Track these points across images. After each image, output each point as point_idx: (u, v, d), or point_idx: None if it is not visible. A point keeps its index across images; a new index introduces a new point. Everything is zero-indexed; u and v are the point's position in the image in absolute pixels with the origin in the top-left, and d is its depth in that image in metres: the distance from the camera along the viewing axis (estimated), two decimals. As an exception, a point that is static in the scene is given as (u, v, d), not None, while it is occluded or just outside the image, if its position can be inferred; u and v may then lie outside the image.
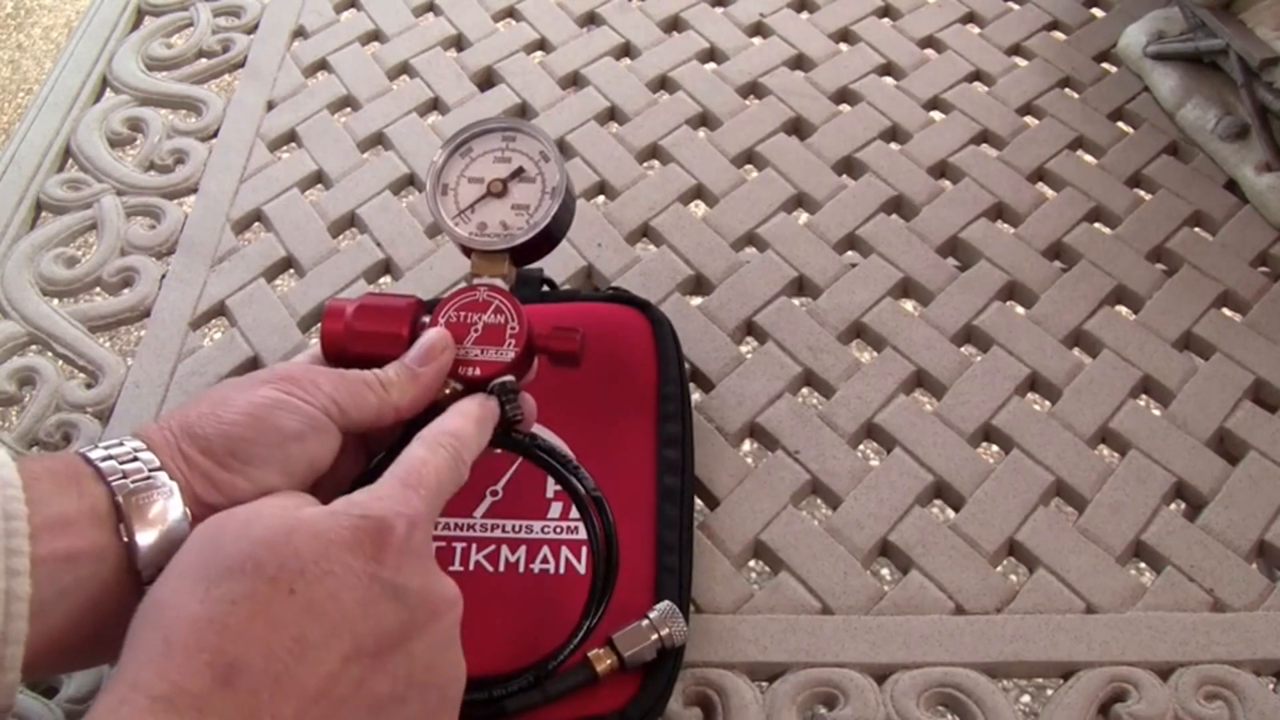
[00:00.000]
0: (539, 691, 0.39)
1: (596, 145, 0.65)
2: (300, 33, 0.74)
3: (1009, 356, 0.55)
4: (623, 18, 0.73)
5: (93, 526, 0.34)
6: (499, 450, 0.42)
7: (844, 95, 0.68)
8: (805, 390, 0.55)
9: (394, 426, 0.41)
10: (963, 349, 0.56)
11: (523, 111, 0.68)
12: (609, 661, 0.40)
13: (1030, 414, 0.53)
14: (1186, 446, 0.51)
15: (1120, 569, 0.47)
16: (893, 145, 0.65)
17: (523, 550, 0.45)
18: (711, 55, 0.71)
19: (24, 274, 0.59)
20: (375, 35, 0.74)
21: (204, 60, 0.72)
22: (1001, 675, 0.45)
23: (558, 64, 0.70)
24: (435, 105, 0.69)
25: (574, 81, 0.70)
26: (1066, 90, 0.68)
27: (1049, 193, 0.62)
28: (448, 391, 0.41)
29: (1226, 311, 0.57)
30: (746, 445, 0.53)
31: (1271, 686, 0.44)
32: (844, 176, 0.64)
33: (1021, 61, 0.70)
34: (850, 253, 0.61)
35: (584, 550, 0.45)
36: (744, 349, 0.56)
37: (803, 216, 0.62)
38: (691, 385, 0.54)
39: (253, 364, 0.56)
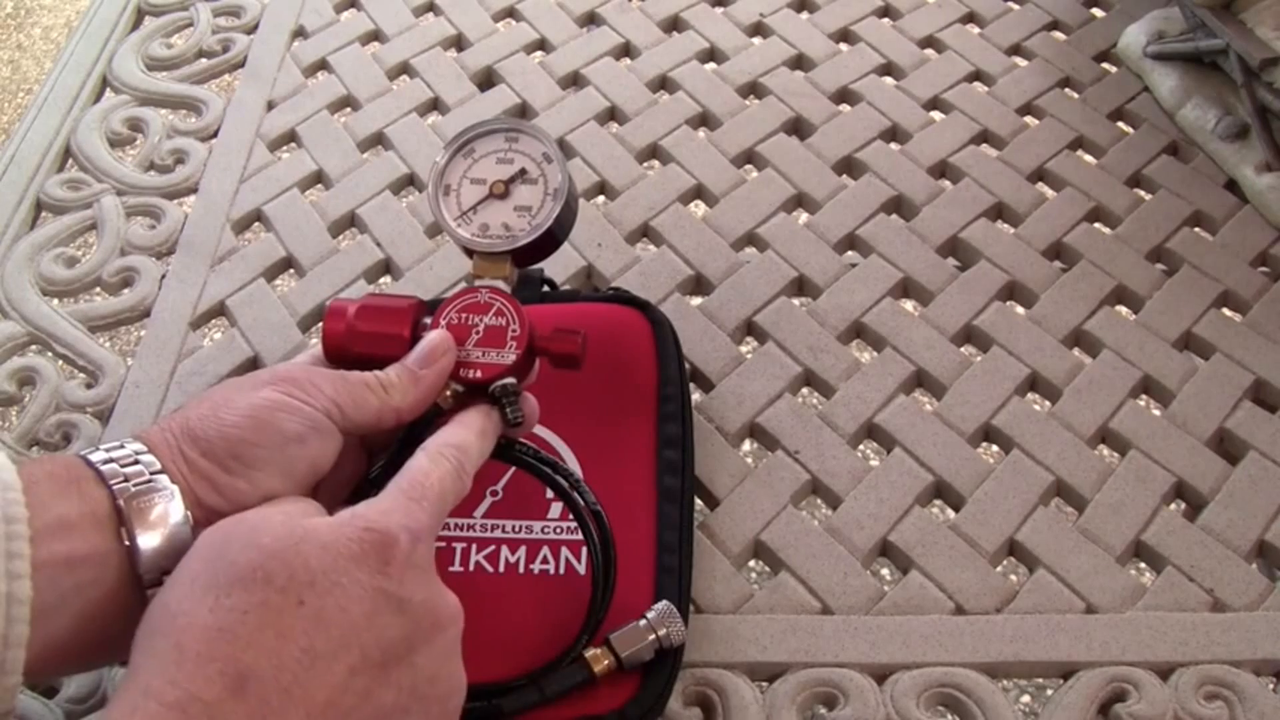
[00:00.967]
0: (535, 691, 0.39)
1: (596, 145, 0.65)
2: (300, 33, 0.74)
3: (1009, 356, 0.55)
4: (623, 18, 0.73)
5: (94, 530, 0.33)
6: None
7: (844, 95, 0.68)
8: (805, 390, 0.55)
9: (394, 428, 0.41)
10: (963, 349, 0.56)
11: (523, 111, 0.68)
12: (606, 662, 0.40)
13: (1030, 414, 0.53)
14: (1186, 446, 0.51)
15: (1120, 569, 0.47)
16: (893, 145, 0.65)
17: (523, 551, 0.45)
18: (711, 55, 0.71)
19: (24, 274, 0.59)
20: (375, 35, 0.74)
21: (204, 60, 0.72)
22: (1001, 675, 0.45)
23: (558, 64, 0.70)
24: (435, 105, 0.69)
25: (574, 81, 0.70)
26: (1066, 90, 0.68)
27: (1049, 193, 0.62)
28: (448, 393, 0.41)
29: (1226, 311, 0.57)
30: (746, 445, 0.53)
31: (1271, 686, 0.44)
32: (844, 176, 0.64)
33: (1021, 61, 0.70)
34: (850, 253, 0.61)
35: (584, 551, 0.45)
36: (744, 349, 0.56)
37: (803, 216, 0.62)
38: (691, 385, 0.54)
39: (253, 364, 0.56)
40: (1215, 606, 0.46)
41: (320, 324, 0.58)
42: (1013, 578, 0.47)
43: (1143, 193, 0.62)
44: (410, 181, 0.65)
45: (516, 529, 0.45)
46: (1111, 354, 0.55)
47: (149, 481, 0.35)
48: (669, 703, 0.42)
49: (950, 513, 0.50)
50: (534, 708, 0.40)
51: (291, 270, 0.61)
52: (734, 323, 0.56)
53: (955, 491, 0.50)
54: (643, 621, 0.41)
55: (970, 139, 0.65)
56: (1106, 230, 0.60)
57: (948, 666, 0.44)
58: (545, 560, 0.45)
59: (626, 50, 0.72)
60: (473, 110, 0.68)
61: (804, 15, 0.73)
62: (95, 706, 0.43)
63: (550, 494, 0.46)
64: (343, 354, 0.42)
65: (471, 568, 0.44)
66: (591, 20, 0.74)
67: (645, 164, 0.65)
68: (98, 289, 0.60)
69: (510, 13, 0.75)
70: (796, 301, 0.58)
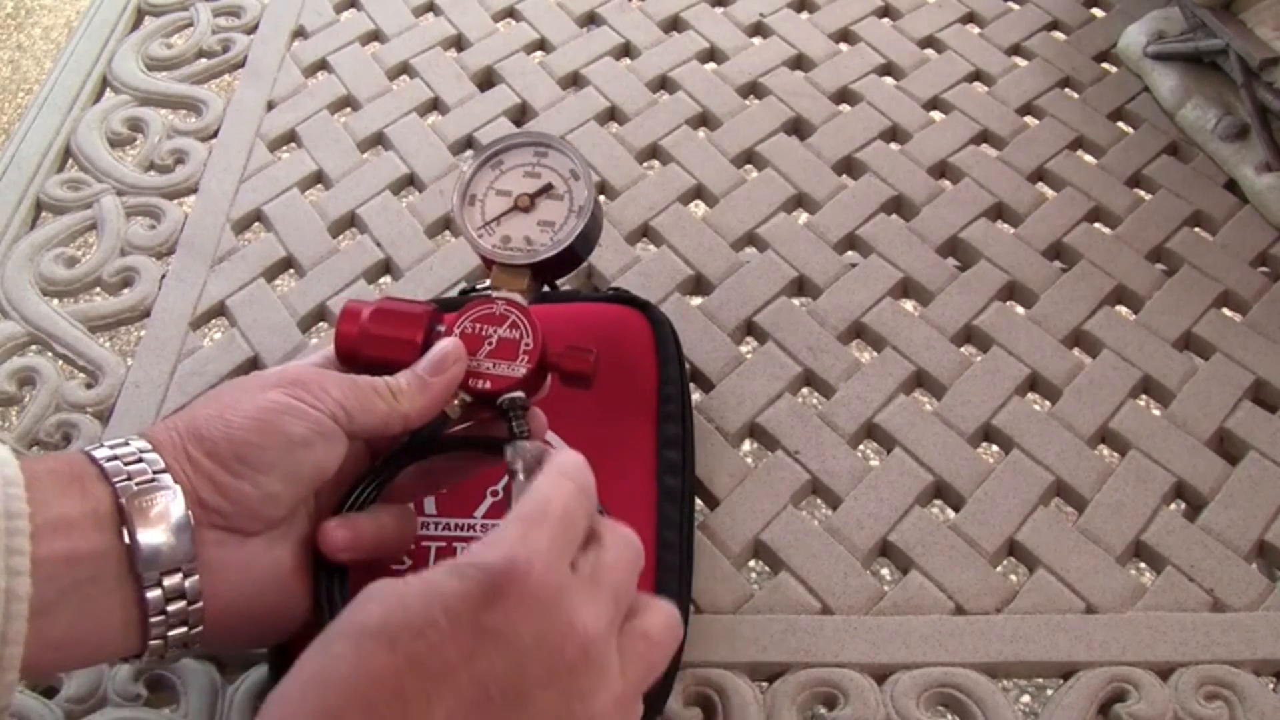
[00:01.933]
0: None
1: (596, 145, 0.65)
2: (300, 33, 0.74)
3: (1009, 356, 0.55)
4: (623, 18, 0.73)
5: (95, 528, 0.33)
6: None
7: (844, 95, 0.68)
8: (805, 390, 0.55)
9: (400, 434, 0.41)
10: (963, 349, 0.56)
11: (523, 111, 0.68)
12: None
13: (1030, 414, 0.53)
14: (1186, 446, 0.51)
15: (1120, 569, 0.47)
16: (893, 145, 0.65)
17: None
18: (711, 55, 0.71)
19: (24, 274, 0.59)
20: (375, 35, 0.74)
21: (204, 60, 0.72)
22: (1001, 675, 0.45)
23: (558, 64, 0.70)
24: (435, 105, 0.69)
25: (574, 81, 0.70)
26: (1066, 90, 0.68)
27: (1049, 193, 0.62)
28: (456, 403, 0.41)
29: (1226, 311, 0.57)
30: (746, 445, 0.53)
31: (1271, 686, 0.44)
32: (844, 176, 0.64)
33: (1021, 61, 0.70)
34: (850, 253, 0.61)
35: None
36: (744, 349, 0.56)
37: (803, 216, 0.62)
38: (691, 385, 0.54)
39: (253, 364, 0.56)
40: (1215, 606, 0.46)
41: (321, 324, 0.58)
42: (1013, 578, 0.47)
43: (1143, 193, 0.62)
44: (410, 181, 0.65)
45: None
46: (1111, 354, 0.55)
47: (152, 480, 0.35)
48: (669, 702, 0.42)
49: (950, 513, 0.50)
50: None
51: (291, 270, 0.61)
52: (734, 323, 0.56)
53: (955, 491, 0.50)
54: None
55: (970, 139, 0.65)
56: (1106, 230, 0.60)
57: (948, 666, 0.44)
58: None
59: (626, 50, 0.72)
60: (473, 110, 0.68)
61: (804, 15, 0.73)
62: (95, 706, 0.43)
63: None
64: (354, 356, 0.42)
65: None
66: (591, 20, 0.74)
67: (645, 164, 0.65)
68: (98, 289, 0.60)
69: (510, 13, 0.75)
70: (796, 301, 0.58)
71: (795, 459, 0.51)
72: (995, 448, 0.53)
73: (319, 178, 0.65)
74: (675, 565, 0.45)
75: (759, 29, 0.73)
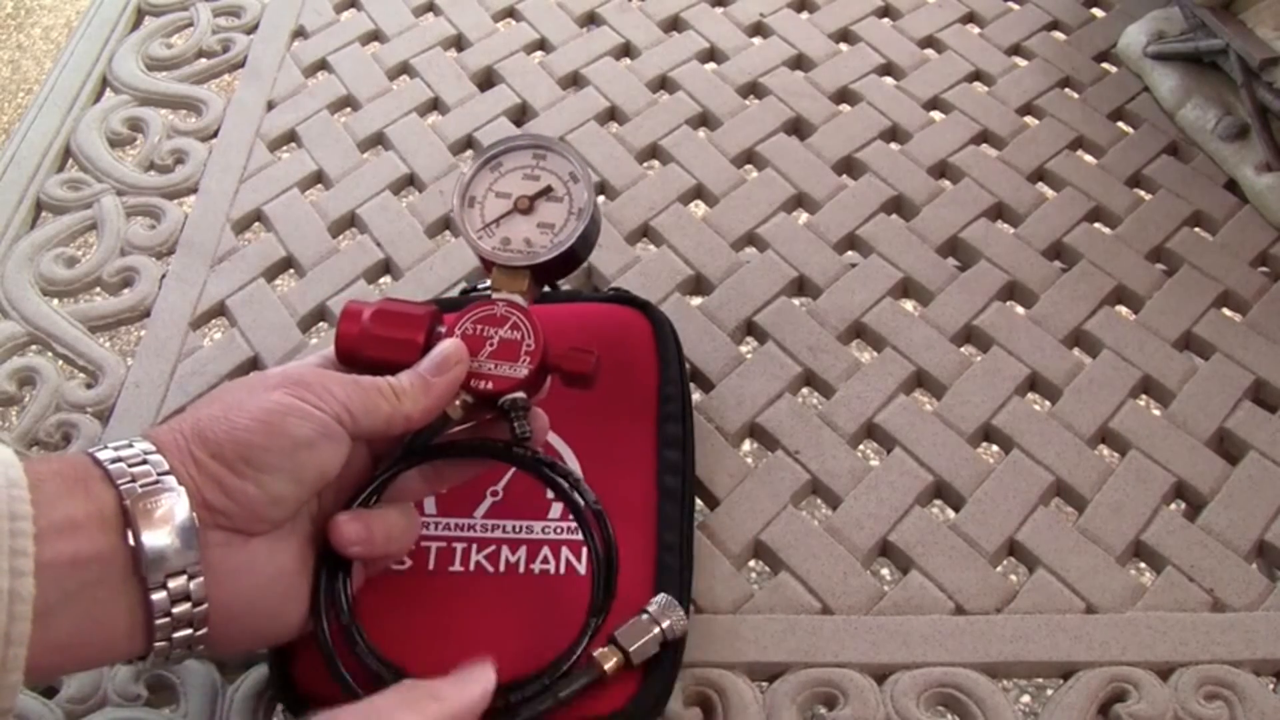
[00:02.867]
0: (550, 695, 0.39)
1: (596, 145, 0.65)
2: (300, 33, 0.74)
3: (1009, 356, 0.55)
4: (623, 18, 0.73)
5: (99, 530, 0.33)
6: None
7: (844, 95, 0.68)
8: (805, 390, 0.55)
9: (402, 434, 0.41)
10: (963, 349, 0.56)
11: (523, 111, 0.68)
12: (615, 659, 0.40)
13: (1030, 414, 0.53)
14: (1186, 446, 0.51)
15: (1120, 569, 0.47)
16: (893, 145, 0.65)
17: (523, 551, 0.45)
18: (711, 55, 0.71)
19: (24, 274, 0.59)
20: (375, 35, 0.74)
21: (204, 60, 0.72)
22: (1001, 675, 0.45)
23: (558, 64, 0.70)
24: (435, 105, 0.69)
25: (574, 81, 0.70)
26: (1066, 90, 0.68)
27: (1049, 193, 0.62)
28: (458, 403, 0.41)
29: (1226, 311, 0.57)
30: (746, 445, 0.53)
31: (1271, 686, 0.44)
32: (844, 176, 0.64)
33: (1021, 61, 0.70)
34: (850, 253, 0.61)
35: (584, 551, 0.45)
36: (744, 349, 0.56)
37: (803, 216, 0.62)
38: (691, 385, 0.54)
39: (253, 364, 0.56)
40: (1215, 606, 0.46)
41: (321, 324, 0.58)
42: (1013, 578, 0.47)
43: (1143, 193, 0.62)
44: (410, 181, 0.65)
45: (517, 529, 0.45)
46: (1111, 354, 0.55)
47: (156, 482, 0.35)
48: (669, 703, 0.42)
49: (950, 513, 0.50)
50: (550, 712, 0.39)
51: (291, 270, 0.61)
52: (734, 323, 0.56)
53: (955, 491, 0.50)
54: (645, 615, 0.41)
55: (970, 139, 0.65)
56: (1106, 230, 0.60)
57: (948, 666, 0.44)
58: (546, 560, 0.45)
59: (626, 50, 0.72)
60: (473, 110, 0.68)
61: (804, 15, 0.73)
62: (95, 707, 0.43)
63: (551, 495, 0.46)
64: (355, 357, 0.42)
65: (472, 568, 0.44)
66: (591, 20, 0.74)
67: (645, 164, 0.65)
68: (98, 289, 0.60)
69: (510, 13, 0.75)
70: (796, 301, 0.58)
71: (795, 459, 0.51)
72: (995, 448, 0.53)
73: (319, 178, 0.65)
74: (675, 566, 0.45)
75: (759, 29, 0.73)
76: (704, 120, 0.67)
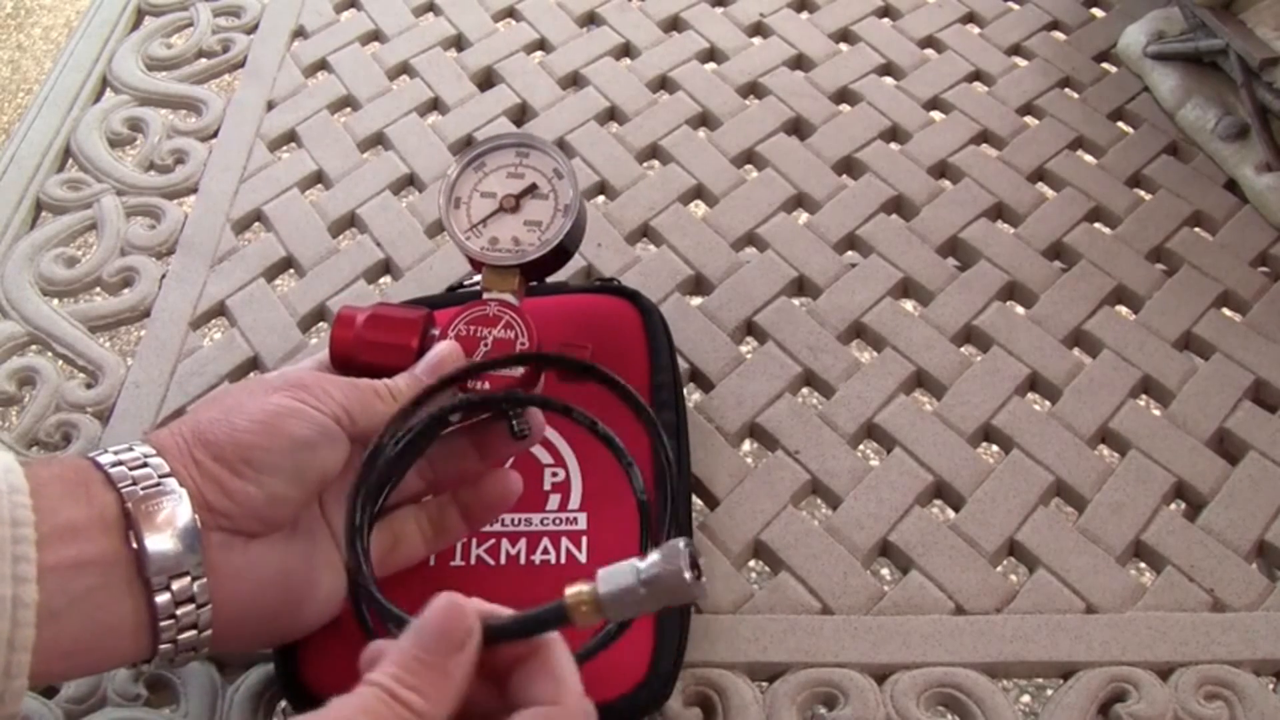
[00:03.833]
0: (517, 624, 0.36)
1: (596, 145, 0.65)
2: (300, 33, 0.74)
3: (1009, 356, 0.55)
4: (623, 18, 0.73)
5: (101, 534, 0.33)
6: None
7: (844, 95, 0.68)
8: (805, 390, 0.55)
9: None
10: (963, 349, 0.56)
11: (523, 111, 0.68)
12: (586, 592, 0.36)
13: (1030, 414, 0.53)
14: (1186, 446, 0.51)
15: (1120, 569, 0.47)
16: (893, 145, 0.65)
17: (523, 543, 0.45)
18: (711, 55, 0.71)
19: (24, 274, 0.59)
20: (375, 35, 0.74)
21: (204, 60, 0.72)
22: (1001, 675, 0.45)
23: (558, 64, 0.70)
24: (435, 105, 0.69)
25: (574, 81, 0.70)
26: (1066, 90, 0.68)
27: (1049, 193, 0.62)
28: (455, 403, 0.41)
29: (1226, 311, 0.57)
30: (746, 445, 0.53)
31: (1271, 686, 0.44)
32: (844, 176, 0.64)
33: (1021, 61, 0.70)
34: (850, 253, 0.61)
35: (584, 540, 0.45)
36: (744, 349, 0.56)
37: (803, 216, 0.62)
38: (691, 385, 0.54)
39: (253, 364, 0.56)
40: (1215, 606, 0.46)
41: (321, 324, 0.58)
42: (1013, 578, 0.47)
43: (1143, 193, 0.62)
44: (410, 181, 0.65)
45: (515, 522, 0.45)
46: (1111, 354, 0.55)
47: (157, 485, 0.35)
48: (669, 702, 0.42)
49: (950, 513, 0.50)
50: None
51: (291, 270, 0.61)
52: (734, 323, 0.56)
53: (955, 491, 0.50)
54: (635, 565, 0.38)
55: (970, 139, 0.65)
56: (1106, 230, 0.60)
57: (948, 666, 0.44)
58: (546, 551, 0.45)
59: (626, 50, 0.72)
60: (473, 110, 0.68)
61: (804, 15, 0.73)
62: (95, 707, 0.43)
63: (548, 485, 0.46)
64: (349, 362, 0.42)
65: (473, 561, 0.45)
66: (591, 20, 0.74)
67: (645, 164, 0.65)
68: (98, 289, 0.60)
69: (510, 13, 0.75)
70: (796, 301, 0.58)
71: (795, 459, 0.51)
72: (995, 448, 0.53)
73: (319, 178, 0.65)
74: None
75: (759, 29, 0.73)
76: (704, 120, 0.67)
